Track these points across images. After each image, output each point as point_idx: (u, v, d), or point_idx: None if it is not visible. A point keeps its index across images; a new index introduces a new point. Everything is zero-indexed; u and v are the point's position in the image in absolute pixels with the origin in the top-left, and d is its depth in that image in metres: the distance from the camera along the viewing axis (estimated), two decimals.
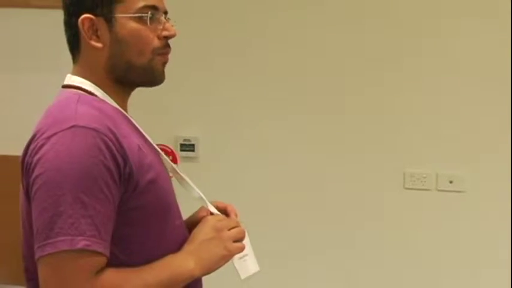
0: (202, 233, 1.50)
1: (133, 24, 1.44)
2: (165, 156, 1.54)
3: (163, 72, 1.50)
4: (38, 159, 1.33)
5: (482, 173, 3.13)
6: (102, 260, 1.31)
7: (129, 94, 1.54)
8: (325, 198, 3.25)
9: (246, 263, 1.55)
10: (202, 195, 1.59)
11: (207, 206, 1.60)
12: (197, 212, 1.64)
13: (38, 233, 1.30)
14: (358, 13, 3.21)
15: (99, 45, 1.46)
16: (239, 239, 1.53)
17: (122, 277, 1.33)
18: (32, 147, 1.37)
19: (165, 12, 1.51)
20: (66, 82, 1.53)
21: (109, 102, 1.46)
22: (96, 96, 1.46)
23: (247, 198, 3.13)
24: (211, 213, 1.59)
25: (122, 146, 1.35)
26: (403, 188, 3.20)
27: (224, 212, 1.64)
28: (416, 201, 3.19)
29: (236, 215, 1.64)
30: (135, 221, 1.39)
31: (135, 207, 1.38)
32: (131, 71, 1.47)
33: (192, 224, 1.58)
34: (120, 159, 1.33)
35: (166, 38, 1.48)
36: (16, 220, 4.03)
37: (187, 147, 3.26)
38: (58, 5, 3.76)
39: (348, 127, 3.23)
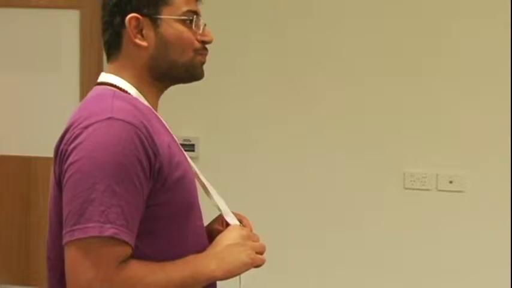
0: (228, 238, 1.53)
1: (178, 26, 1.51)
2: (189, 159, 1.57)
3: (202, 70, 1.58)
4: (74, 148, 1.36)
5: (482, 173, 3.13)
6: (128, 250, 1.34)
7: (162, 92, 1.59)
8: (325, 198, 3.26)
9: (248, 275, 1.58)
10: (219, 205, 1.62)
11: (225, 216, 1.62)
12: (213, 223, 1.67)
13: (67, 218, 1.33)
14: (359, 14, 3.21)
15: (144, 43, 1.50)
16: (260, 253, 1.55)
17: (147, 269, 1.36)
18: (67, 136, 1.39)
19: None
20: (100, 80, 1.55)
21: (142, 100, 1.50)
22: (129, 94, 1.50)
23: (247, 198, 3.13)
24: (227, 224, 1.61)
25: (154, 142, 1.38)
26: (403, 188, 3.20)
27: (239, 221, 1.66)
28: (416, 201, 3.19)
29: (251, 230, 1.65)
30: (160, 216, 1.41)
31: (162, 203, 1.40)
32: (174, 69, 1.53)
33: (208, 232, 1.60)
34: (151, 154, 1.37)
35: (204, 42, 1.56)
36: (16, 220, 4.06)
37: (187, 147, 3.26)
38: (58, 5, 3.80)
39: (348, 127, 3.23)
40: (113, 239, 1.30)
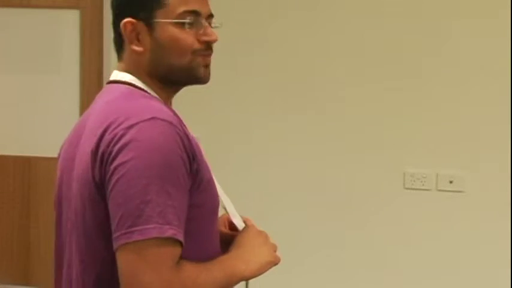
0: (250, 238, 1.53)
1: (173, 29, 1.46)
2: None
3: (205, 72, 1.53)
4: (120, 148, 1.33)
5: (482, 173, 3.13)
6: (180, 251, 1.33)
7: (173, 94, 1.55)
8: (326, 198, 3.26)
9: None
10: (226, 206, 1.60)
11: (232, 218, 1.60)
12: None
13: (121, 220, 1.30)
14: (359, 14, 3.21)
15: (139, 49, 1.47)
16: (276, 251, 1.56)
17: (198, 270, 1.36)
18: (108, 137, 1.35)
19: (211, 15, 1.53)
20: (113, 78, 1.52)
21: (159, 99, 1.48)
22: (148, 93, 1.48)
23: (247, 198, 3.13)
24: (231, 226, 1.61)
25: (190, 142, 1.38)
26: (403, 188, 3.20)
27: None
28: (416, 201, 3.19)
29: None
30: (193, 218, 1.39)
31: (195, 204, 1.39)
32: (172, 73, 1.49)
33: None
34: (190, 155, 1.36)
35: (207, 42, 1.50)
36: (16, 220, 4.05)
37: None
38: (58, 5, 3.80)
39: (348, 127, 3.23)
40: (171, 239, 1.29)
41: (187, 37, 1.47)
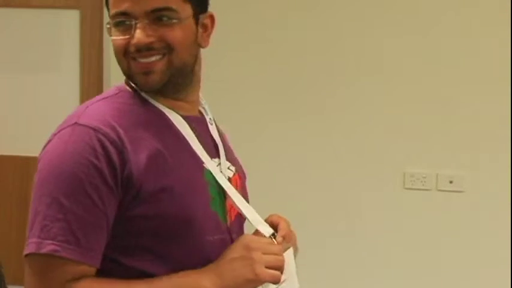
0: (232, 250, 1.33)
1: (113, 33, 1.35)
2: (212, 168, 1.40)
3: (144, 78, 1.34)
4: (40, 157, 1.33)
5: (482, 173, 3.13)
6: (81, 269, 1.22)
7: (169, 96, 1.39)
8: (326, 198, 3.25)
9: None
10: (245, 213, 1.43)
11: (256, 225, 1.44)
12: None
13: (27, 231, 1.27)
14: (357, 14, 3.20)
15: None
16: (274, 267, 1.33)
17: (104, 287, 1.25)
18: (45, 143, 1.35)
19: (155, 11, 1.32)
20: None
21: (151, 101, 1.38)
22: (135, 92, 1.39)
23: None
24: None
25: (124, 147, 1.26)
26: (403, 188, 3.20)
27: (275, 227, 1.50)
28: (416, 201, 3.19)
29: (284, 237, 1.47)
30: (146, 230, 1.28)
31: (143, 216, 1.27)
32: (127, 78, 1.40)
33: None
34: (117, 161, 1.24)
35: (134, 45, 1.33)
36: (16, 220, 4.05)
37: None
38: (58, 5, 3.79)
39: (348, 127, 3.23)
40: (52, 256, 1.20)
41: (117, 41, 1.34)
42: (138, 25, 1.32)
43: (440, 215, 3.17)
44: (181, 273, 1.29)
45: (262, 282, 1.31)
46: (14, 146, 3.65)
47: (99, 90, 3.43)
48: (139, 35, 1.31)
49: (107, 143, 1.25)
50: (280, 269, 1.34)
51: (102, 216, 1.24)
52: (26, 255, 1.24)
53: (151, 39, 1.32)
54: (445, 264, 3.18)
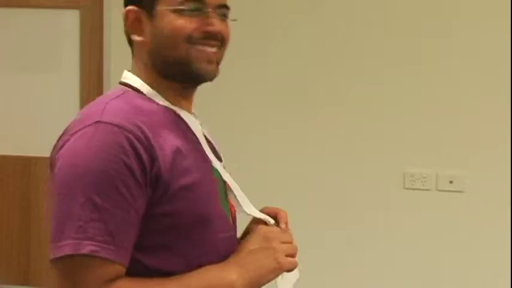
0: (250, 242, 1.36)
1: (173, 17, 1.34)
2: (218, 167, 1.41)
3: (208, 67, 1.37)
4: (59, 156, 1.25)
5: (482, 173, 3.13)
6: (116, 269, 1.20)
7: (184, 92, 1.41)
8: (326, 198, 3.26)
9: (288, 277, 1.41)
10: (247, 211, 1.45)
11: (254, 215, 1.47)
12: (250, 224, 1.50)
13: (51, 233, 1.22)
14: (358, 14, 3.21)
15: (139, 39, 1.38)
16: (291, 255, 1.37)
17: (140, 286, 1.23)
18: (58, 144, 1.29)
19: (223, 6, 1.40)
20: (121, 79, 1.42)
21: (157, 100, 1.36)
22: (142, 93, 1.37)
23: (247, 198, 3.13)
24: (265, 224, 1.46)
25: (151, 145, 1.24)
26: (403, 188, 3.20)
27: (274, 217, 1.52)
28: (416, 201, 3.19)
29: (286, 224, 1.51)
30: (170, 229, 1.27)
31: (167, 214, 1.26)
32: (168, 66, 1.37)
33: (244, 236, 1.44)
34: (146, 159, 1.23)
35: (208, 32, 1.35)
36: (16, 220, 4.04)
37: None
38: (58, 5, 3.79)
39: (348, 127, 3.23)
40: (92, 257, 1.17)
41: (184, 25, 1.34)
42: (213, 14, 1.37)
43: (440, 215, 3.18)
44: (204, 269, 1.29)
45: (283, 270, 1.34)
46: (14, 146, 3.66)
47: (99, 90, 3.43)
48: (218, 23, 1.37)
49: (135, 141, 1.23)
50: (295, 256, 1.38)
51: (134, 214, 1.22)
52: (58, 258, 1.19)
53: (222, 30, 1.38)
54: (445, 264, 3.18)
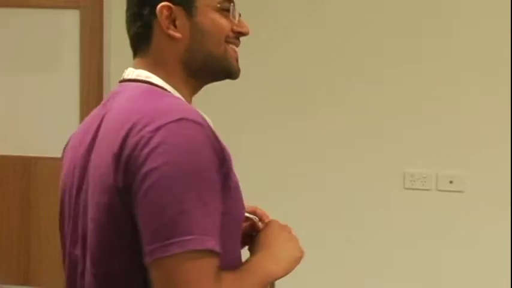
0: (275, 235, 1.45)
1: (215, 15, 1.40)
2: None
3: (237, 66, 1.50)
4: (149, 153, 1.20)
5: (482, 173, 3.13)
6: (219, 261, 1.22)
7: (196, 91, 1.47)
8: (326, 198, 3.26)
9: None
10: None
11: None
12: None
13: (155, 231, 1.19)
14: (358, 14, 3.21)
15: (177, 35, 1.37)
16: None
17: (238, 279, 1.27)
18: (133, 140, 1.22)
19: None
20: (128, 76, 1.40)
21: (180, 97, 1.38)
22: (167, 91, 1.37)
23: (247, 198, 3.13)
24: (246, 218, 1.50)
25: (220, 144, 1.27)
26: (403, 188, 3.20)
27: (254, 215, 1.58)
28: (416, 201, 3.19)
29: (267, 217, 1.57)
30: (222, 226, 1.27)
31: (225, 212, 1.27)
32: (211, 62, 1.42)
33: None
34: (221, 158, 1.26)
35: (239, 33, 1.47)
36: (16, 220, 4.05)
37: None
38: (58, 5, 3.79)
39: (348, 127, 3.24)
40: (210, 251, 1.19)
41: (226, 23, 1.42)
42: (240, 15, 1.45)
43: (440, 215, 3.18)
44: (253, 261, 1.35)
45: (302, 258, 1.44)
46: (14, 146, 3.66)
47: (99, 90, 3.43)
48: (248, 26, 1.47)
49: (213, 140, 1.25)
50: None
51: (221, 210, 1.26)
52: (175, 255, 1.17)
53: None
54: (445, 264, 3.18)
